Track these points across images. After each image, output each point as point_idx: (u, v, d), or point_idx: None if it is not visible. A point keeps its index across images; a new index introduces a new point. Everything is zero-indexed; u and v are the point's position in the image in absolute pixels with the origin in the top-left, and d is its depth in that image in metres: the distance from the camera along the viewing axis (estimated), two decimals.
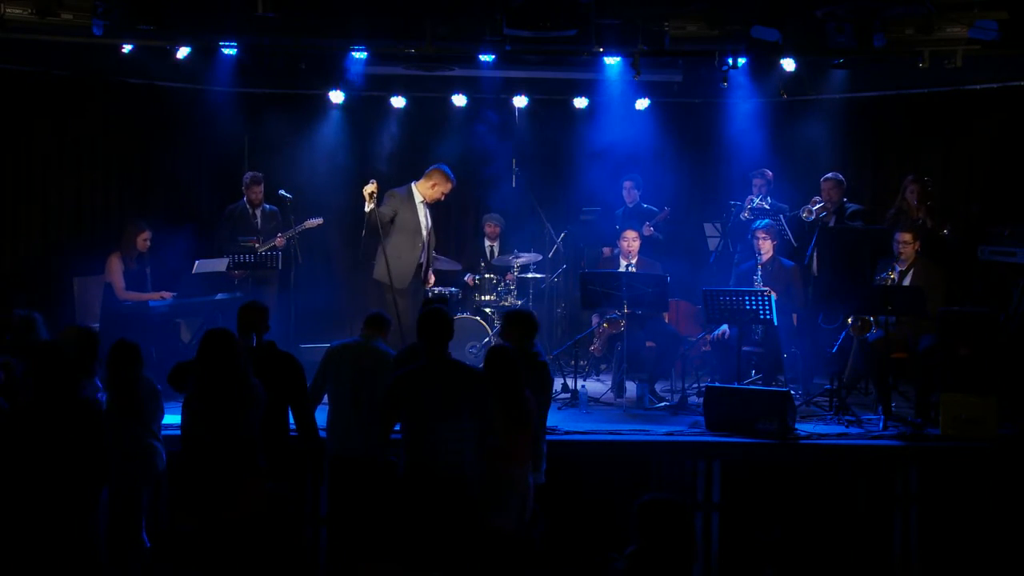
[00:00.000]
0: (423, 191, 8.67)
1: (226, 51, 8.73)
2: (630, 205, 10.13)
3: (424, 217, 8.75)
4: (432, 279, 9.10)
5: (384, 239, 8.58)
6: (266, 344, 6.08)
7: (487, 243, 10.62)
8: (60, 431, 4.98)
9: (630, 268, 8.85)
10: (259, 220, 9.58)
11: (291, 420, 6.11)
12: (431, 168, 8.78)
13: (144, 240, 8.82)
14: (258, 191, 9.56)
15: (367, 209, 8.32)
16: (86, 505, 5.11)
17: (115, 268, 8.70)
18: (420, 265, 8.71)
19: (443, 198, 8.83)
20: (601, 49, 8.64)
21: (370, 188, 8.30)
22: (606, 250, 9.95)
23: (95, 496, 5.23)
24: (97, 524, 5.37)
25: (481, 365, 5.81)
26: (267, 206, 9.64)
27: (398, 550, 5.38)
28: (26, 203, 9.76)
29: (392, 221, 8.60)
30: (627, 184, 10.16)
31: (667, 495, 4.34)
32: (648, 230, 9.60)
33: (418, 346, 5.68)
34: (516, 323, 6.27)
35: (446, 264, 9.92)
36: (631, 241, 8.92)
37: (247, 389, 5.38)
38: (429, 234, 8.86)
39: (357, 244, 11.10)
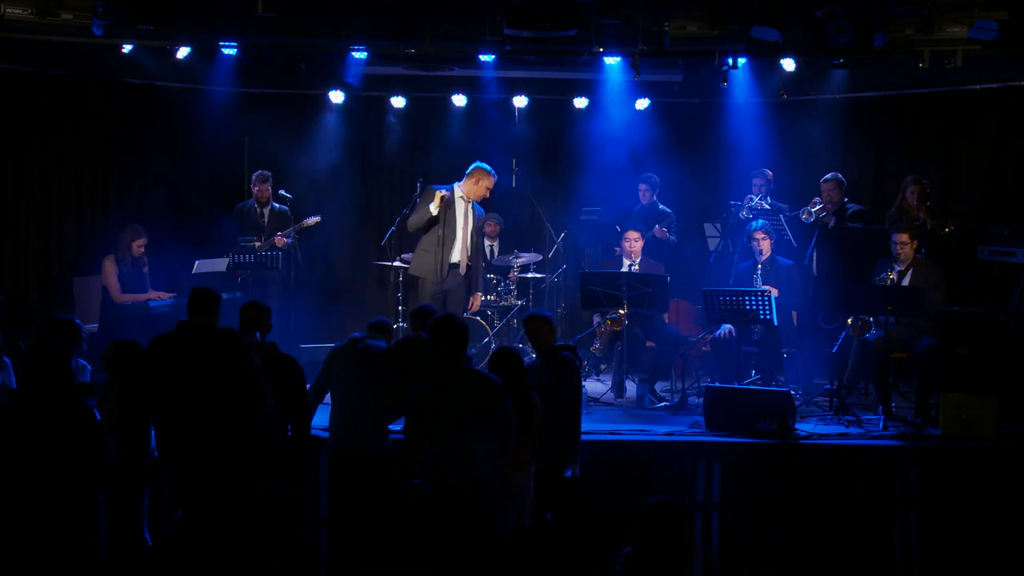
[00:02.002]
0: (467, 190, 8.59)
1: (226, 51, 8.73)
2: (645, 204, 10.11)
3: (463, 217, 8.66)
4: (477, 301, 8.91)
5: (422, 236, 8.59)
6: (268, 345, 6.08)
7: (487, 243, 10.59)
8: (55, 430, 4.97)
9: (633, 268, 8.85)
10: (266, 219, 9.59)
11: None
12: (472, 167, 8.63)
13: (139, 246, 8.83)
14: (265, 189, 9.58)
15: (434, 211, 8.36)
16: (84, 504, 5.10)
17: (109, 271, 8.72)
18: (455, 265, 8.58)
19: (488, 194, 8.76)
20: (601, 49, 8.63)
21: (443, 194, 8.47)
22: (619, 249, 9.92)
23: (93, 495, 5.22)
24: (96, 523, 5.37)
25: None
26: (276, 205, 9.64)
27: (417, 559, 5.32)
28: (26, 203, 9.75)
29: (436, 218, 8.56)
30: (642, 187, 10.11)
31: (668, 497, 4.33)
32: (662, 232, 9.59)
33: (430, 353, 5.48)
34: (531, 325, 6.34)
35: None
36: (633, 242, 8.90)
37: (253, 390, 5.28)
38: (470, 236, 8.69)
39: (358, 245, 11.18)
